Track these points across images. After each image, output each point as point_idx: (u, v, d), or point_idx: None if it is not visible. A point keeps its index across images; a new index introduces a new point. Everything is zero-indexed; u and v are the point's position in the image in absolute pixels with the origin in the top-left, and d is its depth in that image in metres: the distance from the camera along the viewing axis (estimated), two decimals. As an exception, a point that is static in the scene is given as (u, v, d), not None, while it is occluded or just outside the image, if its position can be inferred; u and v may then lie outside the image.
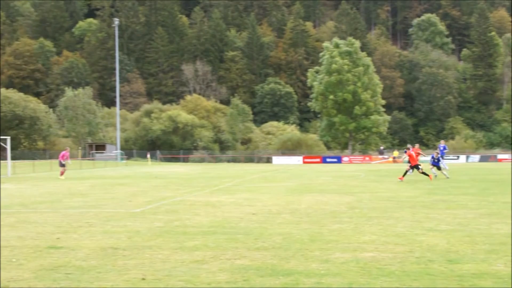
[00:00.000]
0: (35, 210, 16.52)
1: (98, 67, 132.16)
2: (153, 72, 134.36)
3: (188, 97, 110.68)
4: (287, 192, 22.33)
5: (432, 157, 30.67)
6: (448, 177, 29.20)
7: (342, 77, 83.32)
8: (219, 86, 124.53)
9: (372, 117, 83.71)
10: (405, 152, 31.59)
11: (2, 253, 9.61)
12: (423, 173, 28.67)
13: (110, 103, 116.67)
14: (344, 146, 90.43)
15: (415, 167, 29.04)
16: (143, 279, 7.70)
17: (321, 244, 10.05)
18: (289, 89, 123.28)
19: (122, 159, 79.23)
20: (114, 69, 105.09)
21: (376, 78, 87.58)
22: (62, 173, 36.09)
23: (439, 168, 30.17)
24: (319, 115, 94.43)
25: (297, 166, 64.33)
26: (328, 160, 78.30)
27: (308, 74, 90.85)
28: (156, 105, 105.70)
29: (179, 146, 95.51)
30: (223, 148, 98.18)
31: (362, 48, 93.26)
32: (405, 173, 28.78)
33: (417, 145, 35.58)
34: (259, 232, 11.51)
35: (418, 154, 31.58)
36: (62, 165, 36.69)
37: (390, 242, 10.28)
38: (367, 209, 15.58)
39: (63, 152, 37.31)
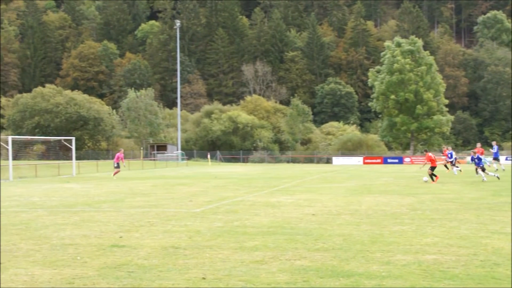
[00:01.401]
0: (98, 209, 16.89)
1: (159, 68, 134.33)
2: (214, 73, 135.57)
3: (248, 98, 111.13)
4: (347, 193, 22.13)
5: (472, 158, 29.86)
6: (484, 180, 28.20)
7: (404, 76, 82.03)
8: (279, 87, 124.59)
9: (435, 117, 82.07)
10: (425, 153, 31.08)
11: (67, 250, 9.86)
12: (432, 175, 28.34)
13: (171, 104, 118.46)
14: (406, 147, 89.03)
15: (432, 168, 28.71)
16: (204, 278, 7.76)
17: (382, 246, 9.92)
18: (350, 89, 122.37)
19: (182, 159, 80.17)
20: (176, 70, 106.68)
21: (439, 77, 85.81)
22: (115, 174, 36.82)
23: (483, 169, 29.16)
24: (380, 115, 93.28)
25: (357, 166, 63.72)
26: (389, 160, 77.21)
27: (369, 73, 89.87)
28: (216, 105, 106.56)
29: (239, 146, 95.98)
30: (282, 149, 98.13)
31: (425, 47, 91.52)
32: (431, 176, 28.33)
33: (479, 145, 34.76)
34: (319, 233, 11.44)
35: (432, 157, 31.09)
36: (117, 167, 37.32)
37: (454, 244, 10.06)
38: (429, 211, 15.29)
39: (118, 154, 37.78)
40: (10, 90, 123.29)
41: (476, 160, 29.02)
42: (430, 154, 29.53)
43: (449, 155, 37.22)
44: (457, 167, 37.38)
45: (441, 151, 44.28)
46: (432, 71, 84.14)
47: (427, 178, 28.66)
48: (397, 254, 9.23)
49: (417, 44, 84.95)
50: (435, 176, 28.29)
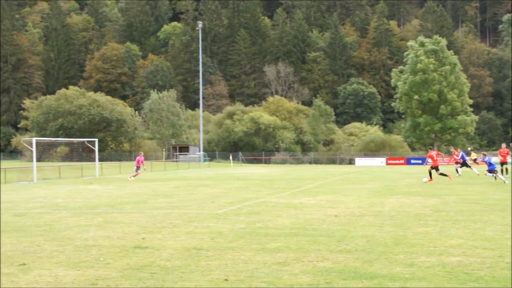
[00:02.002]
0: (121, 210, 16.99)
1: (182, 70, 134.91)
2: (236, 74, 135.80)
3: (270, 99, 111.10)
4: (370, 194, 22.04)
5: (484, 161, 29.56)
6: (496, 179, 28.03)
7: (428, 76, 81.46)
8: (301, 87, 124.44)
9: (459, 117, 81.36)
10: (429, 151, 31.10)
11: (90, 251, 9.94)
12: (441, 174, 28.81)
13: (194, 105, 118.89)
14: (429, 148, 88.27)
15: (435, 168, 29.00)
16: (226, 280, 7.77)
17: (406, 248, 9.86)
18: (372, 89, 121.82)
19: (205, 160, 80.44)
20: (198, 71, 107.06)
21: (463, 77, 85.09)
22: (134, 176, 36.73)
23: (491, 172, 28.78)
24: (403, 116, 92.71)
25: (380, 167, 63.41)
26: (412, 161, 76.73)
27: (392, 74, 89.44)
28: (238, 107, 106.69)
29: (261, 147, 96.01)
30: (305, 150, 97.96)
31: (449, 46, 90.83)
32: (430, 174, 29.00)
33: (503, 145, 34.43)
34: (342, 235, 11.41)
35: (438, 154, 30.94)
36: (138, 169, 37.24)
37: (478, 246, 9.96)
38: (453, 212, 15.17)
39: (138, 157, 37.71)
40: (34, 92, 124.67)
41: (487, 163, 28.74)
42: (432, 152, 29.61)
43: (460, 156, 37.15)
44: (473, 169, 37.30)
45: (467, 153, 43.95)
46: (456, 71, 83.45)
47: (426, 178, 28.94)
48: (421, 255, 9.17)
49: (440, 44, 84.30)
50: (445, 175, 28.59)
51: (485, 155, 29.72)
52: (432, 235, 11.31)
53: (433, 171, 29.29)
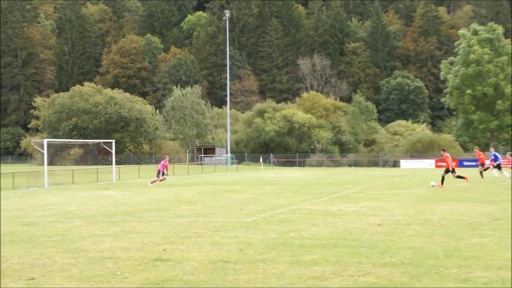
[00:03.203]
0: (140, 218, 17.06)
1: (207, 63, 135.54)
2: (267, 67, 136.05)
3: (305, 95, 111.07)
4: (417, 200, 21.86)
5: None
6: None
7: (482, 68, 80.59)
8: (339, 82, 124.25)
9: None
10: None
11: (106, 264, 9.96)
12: (459, 176, 29.34)
13: (220, 102, 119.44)
14: (484, 148, 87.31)
15: (447, 171, 29.31)
16: (255, 296, 7.71)
17: (459, 261, 9.74)
18: (419, 83, 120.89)
19: (232, 163, 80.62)
20: (225, 65, 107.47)
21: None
22: (153, 182, 35.89)
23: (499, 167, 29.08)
24: (454, 112, 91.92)
25: (428, 170, 62.88)
26: (465, 163, 75.93)
27: (441, 66, 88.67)
28: (269, 104, 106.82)
29: (294, 148, 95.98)
30: (343, 151, 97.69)
31: (506, 35, 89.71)
32: (442, 180, 29.24)
33: None
34: (386, 246, 11.31)
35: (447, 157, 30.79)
36: (161, 175, 36.08)
37: (543, 259, 9.76)
38: (513, 221, 14.92)
39: (163, 162, 36.77)
40: (46, 89, 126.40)
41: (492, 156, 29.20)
42: (447, 154, 29.94)
43: (493, 157, 36.98)
44: (504, 172, 37.02)
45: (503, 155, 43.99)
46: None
47: (434, 182, 29.06)
48: (476, 270, 9.04)
49: (496, 32, 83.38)
50: (463, 177, 29.14)
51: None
52: (489, 246, 11.16)
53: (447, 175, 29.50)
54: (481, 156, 39.38)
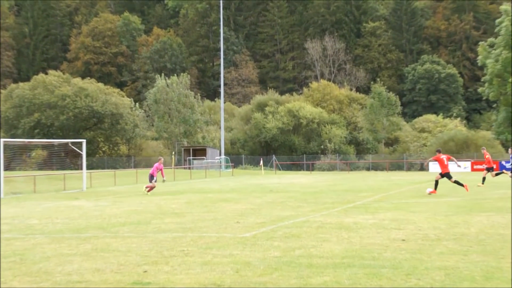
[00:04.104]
0: (116, 234, 17.05)
1: (197, 48, 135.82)
2: (268, 52, 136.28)
3: (314, 84, 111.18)
4: (449, 210, 21.88)
5: None
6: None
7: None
8: (355, 69, 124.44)
9: None
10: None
11: (73, 289, 9.93)
12: (456, 182, 29.83)
13: (213, 94, 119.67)
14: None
15: (446, 175, 30.01)
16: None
17: (501, 283, 9.76)
18: (452, 70, 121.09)
19: (227, 167, 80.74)
20: (218, 50, 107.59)
21: None
22: (149, 189, 35.65)
23: None
24: (494, 105, 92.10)
25: (463, 175, 62.93)
26: (508, 166, 76.02)
27: (479, 49, 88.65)
28: (271, 95, 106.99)
29: (301, 149, 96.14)
30: (360, 152, 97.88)
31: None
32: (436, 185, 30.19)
33: None
34: (412, 265, 11.32)
35: (449, 158, 30.82)
36: (152, 180, 35.88)
37: None
38: None
39: (157, 164, 36.55)
40: (3, 79, 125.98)
41: None
42: (442, 156, 30.52)
43: None
44: None
45: None
46: None
47: (430, 188, 29.79)
48: (521, 294, 9.01)
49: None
50: (461, 183, 29.62)
51: None
52: (537, 266, 11.12)
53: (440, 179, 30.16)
54: (487, 157, 39.40)
